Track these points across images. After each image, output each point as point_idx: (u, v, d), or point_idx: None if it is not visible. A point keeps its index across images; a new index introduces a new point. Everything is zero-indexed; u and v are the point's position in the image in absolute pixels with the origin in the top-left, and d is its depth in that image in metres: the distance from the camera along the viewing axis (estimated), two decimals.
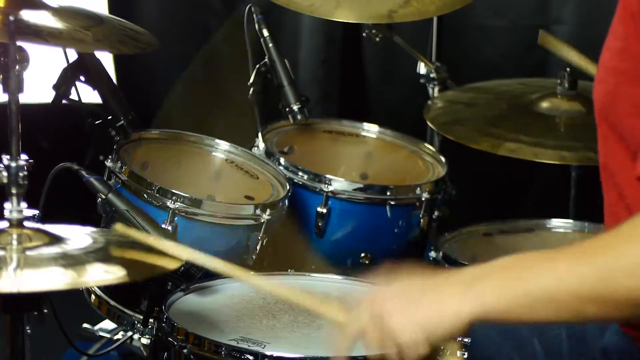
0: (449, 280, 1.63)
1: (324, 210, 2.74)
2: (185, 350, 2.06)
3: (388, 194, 2.78)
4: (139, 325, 2.44)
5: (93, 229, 2.04)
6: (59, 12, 2.38)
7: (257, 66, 2.96)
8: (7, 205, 1.89)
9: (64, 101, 2.58)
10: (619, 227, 1.56)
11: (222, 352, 2.02)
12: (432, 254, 2.78)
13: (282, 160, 2.81)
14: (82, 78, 2.58)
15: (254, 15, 2.96)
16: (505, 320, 1.60)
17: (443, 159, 3.01)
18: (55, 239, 1.90)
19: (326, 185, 2.75)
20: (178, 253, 1.88)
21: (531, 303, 1.56)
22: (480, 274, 1.62)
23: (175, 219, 2.45)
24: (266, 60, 2.94)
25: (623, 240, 1.53)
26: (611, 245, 1.54)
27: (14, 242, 1.87)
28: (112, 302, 2.52)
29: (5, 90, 1.92)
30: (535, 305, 1.56)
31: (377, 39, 3.19)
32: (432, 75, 3.27)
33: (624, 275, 1.50)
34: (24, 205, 1.90)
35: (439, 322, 1.61)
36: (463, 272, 1.63)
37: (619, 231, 1.55)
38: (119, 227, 1.99)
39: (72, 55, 2.58)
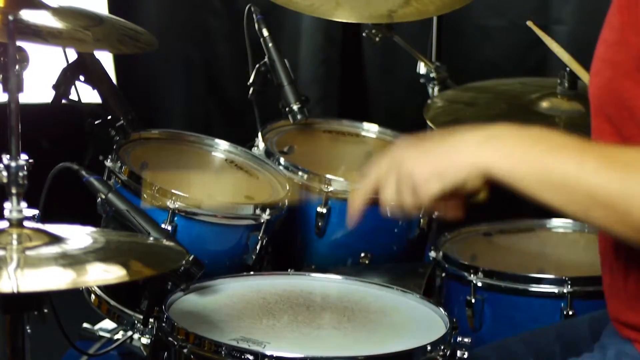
0: (471, 130, 1.63)
1: (324, 210, 2.74)
2: (185, 350, 2.06)
3: None
4: (139, 324, 2.44)
5: (93, 229, 2.04)
6: (59, 11, 2.38)
7: (257, 66, 2.96)
8: (7, 205, 1.89)
9: (63, 101, 2.58)
10: None
11: (222, 352, 2.02)
12: (432, 254, 2.78)
13: (282, 160, 2.81)
14: (81, 78, 2.58)
15: (254, 15, 2.97)
16: (514, 186, 1.60)
17: None
18: (55, 239, 1.90)
19: (326, 185, 2.75)
20: None
21: (546, 181, 1.57)
22: (505, 133, 1.61)
23: (175, 218, 2.45)
24: (266, 60, 2.94)
25: None
26: None
27: (14, 242, 1.87)
28: (112, 302, 2.52)
29: (5, 90, 1.91)
30: (549, 185, 1.57)
31: (377, 39, 3.19)
32: (432, 75, 3.27)
33: None
34: (23, 205, 1.90)
35: (452, 165, 1.61)
36: (488, 127, 1.63)
37: None
38: None
39: (72, 55, 2.58)
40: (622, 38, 1.70)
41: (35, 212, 1.95)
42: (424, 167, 1.63)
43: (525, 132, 1.61)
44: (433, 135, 1.70)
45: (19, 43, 2.02)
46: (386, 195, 1.69)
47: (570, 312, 2.54)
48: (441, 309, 2.21)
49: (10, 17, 1.88)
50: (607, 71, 1.75)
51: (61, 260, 1.82)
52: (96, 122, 2.57)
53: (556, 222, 3.02)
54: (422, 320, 2.19)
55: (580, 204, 1.56)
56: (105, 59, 2.99)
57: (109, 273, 1.84)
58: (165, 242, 2.24)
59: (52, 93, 2.57)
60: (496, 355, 2.09)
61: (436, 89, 3.27)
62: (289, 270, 2.46)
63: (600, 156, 1.57)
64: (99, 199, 2.43)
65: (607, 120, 1.77)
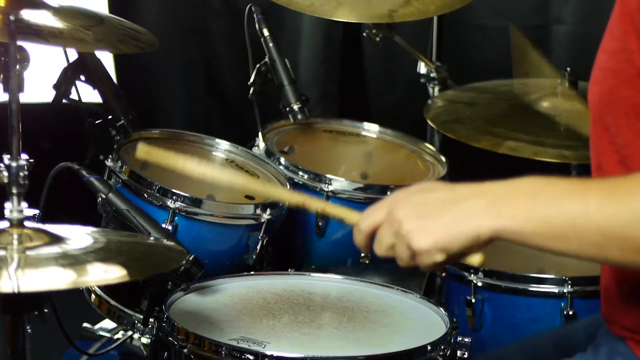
0: (471, 194, 1.62)
1: None
2: (185, 350, 2.06)
3: (388, 193, 2.78)
4: (139, 324, 2.44)
5: (93, 229, 2.04)
6: (60, 11, 2.38)
7: (257, 66, 2.96)
8: (7, 205, 1.89)
9: (64, 101, 2.58)
10: None
11: (223, 352, 2.02)
12: None
13: (282, 160, 2.81)
14: (82, 78, 2.58)
15: (254, 15, 2.97)
16: (525, 243, 1.59)
17: (443, 159, 3.01)
18: (56, 239, 1.90)
19: (326, 185, 2.75)
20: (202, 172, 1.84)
21: (555, 232, 1.55)
22: (505, 193, 1.60)
23: (176, 218, 2.45)
24: (266, 59, 2.94)
25: None
26: None
27: (15, 242, 1.87)
28: (112, 302, 2.52)
29: (5, 89, 1.91)
30: (559, 234, 1.55)
31: (377, 39, 3.19)
32: (432, 75, 3.27)
33: None
34: (24, 205, 1.90)
35: (457, 237, 1.60)
36: (486, 188, 1.62)
37: None
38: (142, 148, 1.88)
39: (73, 54, 2.58)
40: (624, 46, 1.69)
41: (36, 212, 1.95)
42: (426, 238, 1.60)
43: (522, 187, 1.60)
44: (430, 188, 1.66)
45: (19, 43, 2.02)
46: (380, 249, 1.66)
47: (571, 312, 2.54)
48: (441, 309, 2.21)
49: (11, 17, 1.88)
50: (608, 80, 1.74)
51: (61, 260, 1.82)
52: (97, 122, 2.57)
53: None
54: (422, 320, 2.19)
55: (595, 245, 1.54)
56: (106, 58, 2.99)
57: (109, 273, 1.84)
58: (166, 242, 2.24)
59: (53, 93, 2.57)
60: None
61: (436, 89, 3.27)
62: (289, 270, 2.47)
63: (601, 191, 1.56)
64: (100, 198, 2.43)
65: (605, 129, 1.77)
